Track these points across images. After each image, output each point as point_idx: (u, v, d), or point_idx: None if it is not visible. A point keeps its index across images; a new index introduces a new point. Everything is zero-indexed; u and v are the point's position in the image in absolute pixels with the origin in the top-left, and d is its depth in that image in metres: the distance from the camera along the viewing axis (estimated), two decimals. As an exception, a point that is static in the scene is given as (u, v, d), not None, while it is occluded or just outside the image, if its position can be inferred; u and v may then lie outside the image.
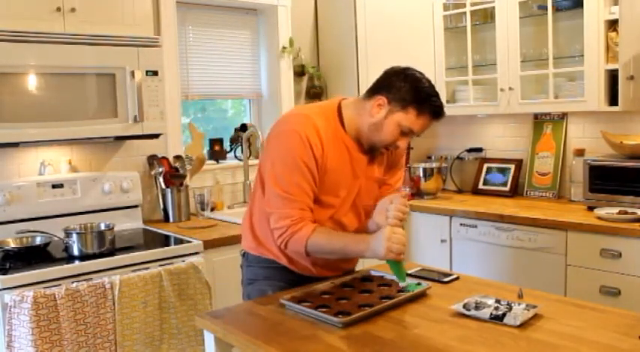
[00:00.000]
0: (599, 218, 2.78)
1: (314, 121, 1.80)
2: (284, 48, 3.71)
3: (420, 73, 1.86)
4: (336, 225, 1.90)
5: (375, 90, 1.85)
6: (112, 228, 2.53)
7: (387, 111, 1.79)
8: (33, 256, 2.44)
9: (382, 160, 1.97)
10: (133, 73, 2.70)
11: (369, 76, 3.69)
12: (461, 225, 3.30)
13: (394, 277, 1.81)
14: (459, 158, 3.96)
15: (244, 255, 2.04)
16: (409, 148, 3.94)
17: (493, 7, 3.41)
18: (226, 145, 3.68)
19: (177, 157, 3.23)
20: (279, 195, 1.78)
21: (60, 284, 2.20)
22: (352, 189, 1.90)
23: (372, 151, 1.89)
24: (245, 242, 2.03)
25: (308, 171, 1.78)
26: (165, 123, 2.87)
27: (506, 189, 3.65)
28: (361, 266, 2.17)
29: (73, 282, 2.23)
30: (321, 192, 1.84)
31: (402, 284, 1.77)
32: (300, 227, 1.76)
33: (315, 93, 3.85)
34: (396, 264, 1.74)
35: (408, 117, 1.78)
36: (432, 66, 3.69)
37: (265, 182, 1.84)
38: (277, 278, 1.94)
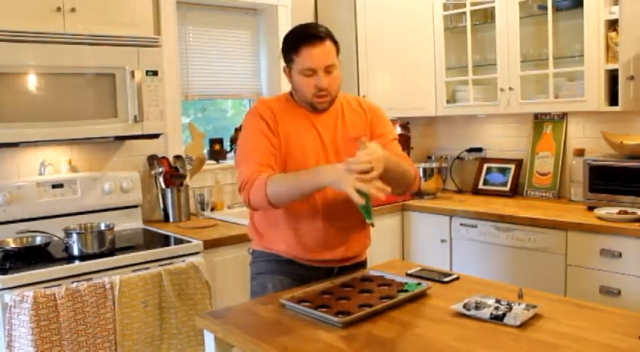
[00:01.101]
0: (599, 218, 2.78)
1: (264, 100, 2.03)
2: (284, 48, 3.71)
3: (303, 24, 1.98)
4: (323, 196, 1.91)
5: None
6: (112, 228, 2.53)
7: (290, 72, 1.94)
8: (33, 256, 2.44)
9: (355, 119, 2.02)
10: (133, 73, 2.70)
11: (369, 76, 3.69)
12: (461, 225, 3.30)
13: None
14: (459, 158, 3.96)
15: (252, 252, 2.08)
16: (409, 148, 3.95)
17: (493, 7, 3.41)
18: (226, 145, 3.68)
19: (177, 157, 3.23)
20: (240, 165, 1.91)
21: (60, 284, 2.19)
22: (328, 154, 1.94)
23: (315, 109, 1.95)
24: (252, 240, 2.09)
25: (261, 133, 1.89)
26: (165, 123, 2.86)
27: (506, 189, 3.65)
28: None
29: (73, 282, 2.23)
30: (291, 163, 1.90)
31: (368, 221, 1.71)
32: (257, 175, 1.82)
33: (315, 93, 3.85)
34: (361, 197, 1.62)
35: (297, 63, 1.88)
36: (432, 66, 3.69)
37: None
38: (278, 271, 1.97)
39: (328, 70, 1.88)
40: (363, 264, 2.11)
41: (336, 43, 1.92)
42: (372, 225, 1.77)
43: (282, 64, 1.97)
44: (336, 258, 1.98)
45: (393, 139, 2.07)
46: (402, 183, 1.94)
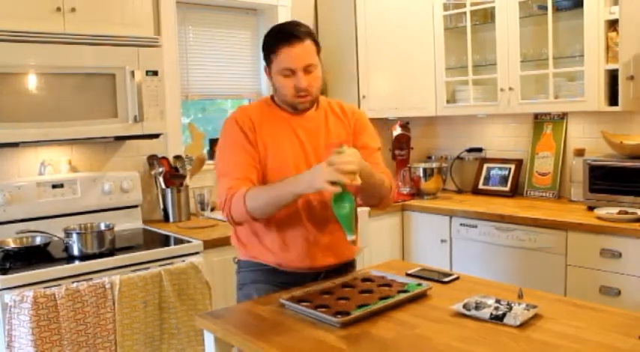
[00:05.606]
0: (599, 218, 2.78)
1: (243, 107, 1.98)
2: (284, 48, 3.71)
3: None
4: (305, 202, 1.87)
5: None
6: (112, 228, 2.53)
7: (270, 72, 1.90)
8: (33, 256, 2.44)
9: (339, 127, 1.97)
10: (133, 73, 2.70)
11: (369, 76, 3.69)
12: (461, 225, 3.30)
13: (347, 235, 1.62)
14: (459, 158, 3.96)
15: (237, 262, 2.04)
16: (409, 148, 3.94)
17: (493, 7, 3.41)
18: (226, 145, 3.67)
19: (177, 157, 3.23)
20: (220, 178, 1.87)
21: (60, 284, 2.19)
22: (309, 161, 1.88)
23: (296, 109, 1.92)
24: (238, 250, 2.04)
25: (240, 146, 1.86)
26: (165, 123, 2.86)
27: (507, 189, 3.65)
28: (361, 265, 2.17)
29: (73, 282, 2.23)
30: (271, 172, 1.87)
31: (349, 238, 1.59)
32: (236, 189, 1.80)
33: (315, 93, 3.85)
34: (343, 206, 1.56)
35: (275, 63, 1.85)
36: (432, 66, 3.68)
37: None
38: (264, 280, 1.92)
39: (308, 69, 1.84)
40: (351, 264, 2.05)
41: (316, 42, 1.87)
42: (354, 243, 1.68)
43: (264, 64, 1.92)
44: (323, 265, 1.93)
45: (377, 150, 2.01)
46: (375, 195, 1.90)
